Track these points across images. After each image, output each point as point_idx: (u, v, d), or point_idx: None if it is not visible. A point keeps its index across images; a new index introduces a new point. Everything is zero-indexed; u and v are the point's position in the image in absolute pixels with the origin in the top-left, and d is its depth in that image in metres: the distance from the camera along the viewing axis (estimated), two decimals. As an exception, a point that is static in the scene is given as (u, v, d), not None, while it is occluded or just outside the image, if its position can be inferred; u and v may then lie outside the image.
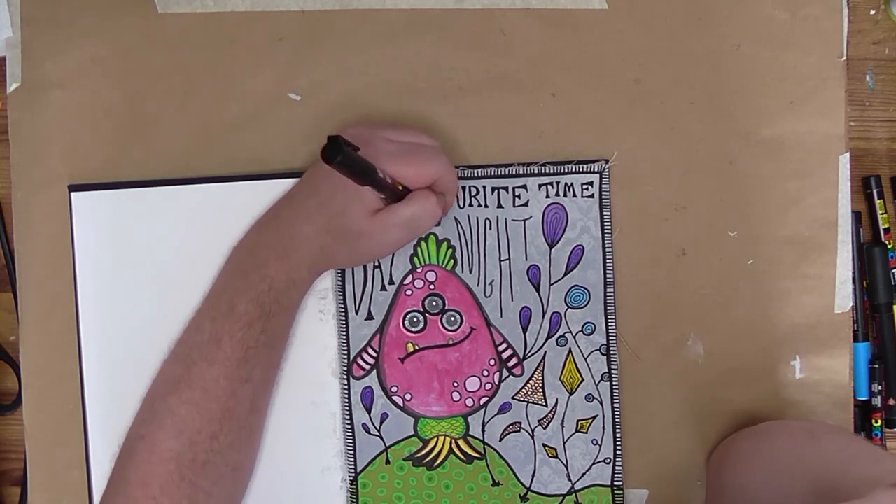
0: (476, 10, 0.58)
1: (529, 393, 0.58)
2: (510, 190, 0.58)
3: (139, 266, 0.58)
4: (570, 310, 0.59)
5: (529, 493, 0.58)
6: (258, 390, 0.53)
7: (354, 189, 0.50)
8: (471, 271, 0.58)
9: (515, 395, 0.58)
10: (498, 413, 0.58)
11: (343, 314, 0.58)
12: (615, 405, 0.58)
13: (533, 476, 0.58)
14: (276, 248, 0.53)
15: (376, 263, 0.58)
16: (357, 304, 0.58)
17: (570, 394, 0.58)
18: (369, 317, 0.58)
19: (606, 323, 0.58)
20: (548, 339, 0.58)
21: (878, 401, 0.61)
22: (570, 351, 0.58)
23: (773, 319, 0.59)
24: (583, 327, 0.59)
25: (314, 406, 0.58)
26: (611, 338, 0.58)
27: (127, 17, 0.58)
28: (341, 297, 0.58)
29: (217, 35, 0.58)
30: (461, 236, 0.58)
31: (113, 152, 0.58)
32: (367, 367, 0.58)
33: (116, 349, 0.58)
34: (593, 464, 0.58)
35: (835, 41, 0.59)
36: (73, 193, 0.58)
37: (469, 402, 0.58)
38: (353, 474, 0.58)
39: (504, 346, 0.58)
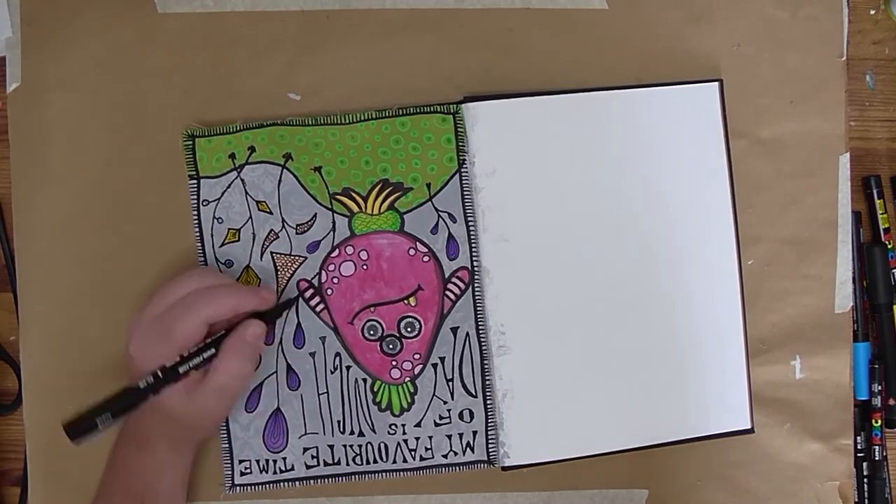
0: (476, 10, 0.58)
1: None
2: None
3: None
4: None
5: None
6: None
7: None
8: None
9: None
10: None
11: None
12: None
13: None
14: (133, 439, 0.53)
15: None
16: None
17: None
18: None
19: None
20: None
21: (878, 401, 0.61)
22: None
23: (773, 319, 0.59)
24: None
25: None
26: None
27: (127, 17, 0.58)
28: None
29: (217, 35, 0.58)
30: None
31: (113, 152, 0.58)
32: None
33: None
34: None
35: (835, 41, 0.59)
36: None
37: None
38: None
39: None
